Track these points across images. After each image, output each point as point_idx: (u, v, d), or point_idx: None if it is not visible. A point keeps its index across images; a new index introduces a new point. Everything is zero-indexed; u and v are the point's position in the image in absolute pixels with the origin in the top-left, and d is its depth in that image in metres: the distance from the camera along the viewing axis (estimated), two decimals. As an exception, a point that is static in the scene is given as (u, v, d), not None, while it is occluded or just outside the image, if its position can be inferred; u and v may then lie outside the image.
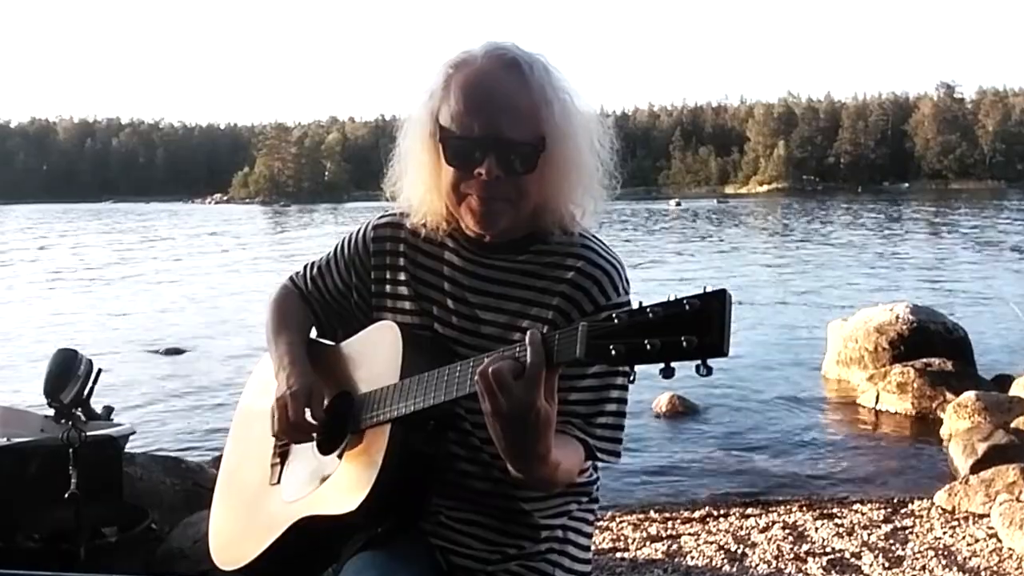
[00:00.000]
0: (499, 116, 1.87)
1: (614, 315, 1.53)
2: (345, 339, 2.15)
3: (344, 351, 2.12)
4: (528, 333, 1.63)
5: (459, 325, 2.00)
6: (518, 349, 1.64)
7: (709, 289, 1.47)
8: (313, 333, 2.25)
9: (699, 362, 1.45)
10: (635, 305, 1.53)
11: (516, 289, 1.98)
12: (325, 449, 2.01)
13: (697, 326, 1.44)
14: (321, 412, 2.02)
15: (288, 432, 2.02)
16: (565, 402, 1.82)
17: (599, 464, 2.06)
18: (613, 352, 1.51)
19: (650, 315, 1.49)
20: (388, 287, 2.10)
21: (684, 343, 1.45)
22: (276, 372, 2.10)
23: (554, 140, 1.89)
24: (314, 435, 2.02)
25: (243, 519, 2.16)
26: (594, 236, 2.02)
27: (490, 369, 1.62)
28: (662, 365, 1.48)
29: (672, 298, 1.49)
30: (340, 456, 1.97)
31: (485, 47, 1.93)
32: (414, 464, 1.92)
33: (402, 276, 2.09)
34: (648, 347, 1.47)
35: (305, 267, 2.27)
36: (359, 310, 2.15)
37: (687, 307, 1.46)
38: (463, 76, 1.91)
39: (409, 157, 2.01)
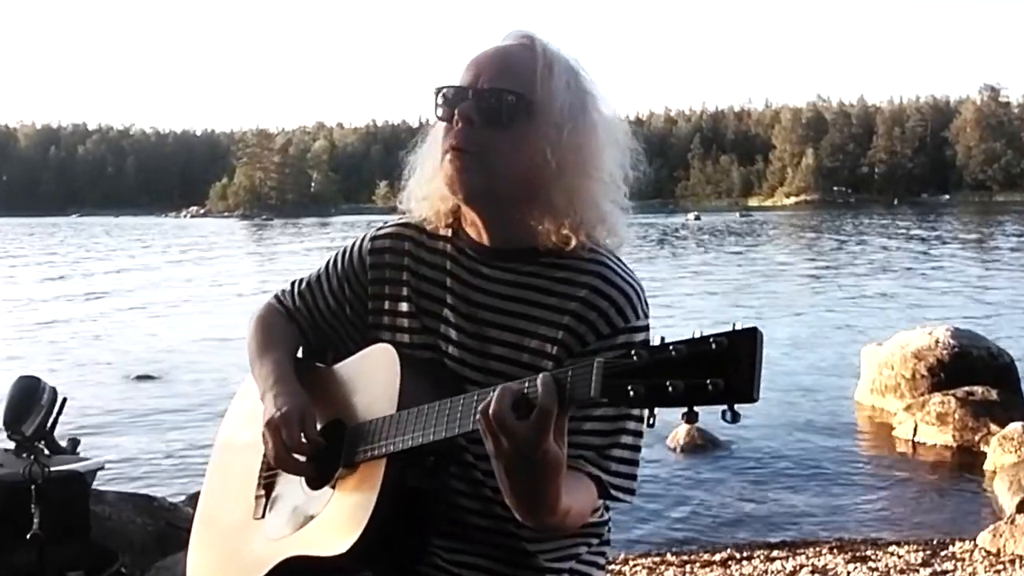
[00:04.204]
0: (489, 68, 1.96)
1: (633, 352, 1.53)
2: (336, 361, 2.16)
3: (336, 375, 2.13)
4: (540, 375, 1.63)
5: (464, 342, 2.02)
6: (528, 386, 1.65)
7: (738, 326, 1.46)
8: (300, 354, 2.26)
9: (725, 407, 1.46)
10: (656, 341, 1.53)
11: (523, 305, 2.00)
12: (315, 483, 2.02)
13: (724, 368, 1.44)
14: (317, 436, 2.02)
15: (282, 460, 2.01)
16: (578, 432, 1.84)
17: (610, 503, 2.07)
18: (631, 393, 1.51)
19: (673, 353, 1.49)
20: (387, 303, 2.12)
21: (710, 386, 1.44)
22: (262, 393, 2.11)
23: (546, 110, 1.94)
24: (312, 463, 2.01)
25: (225, 555, 2.17)
26: (611, 253, 2.03)
27: (491, 408, 1.63)
28: (684, 409, 1.49)
29: (697, 334, 1.49)
30: (331, 491, 1.97)
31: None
32: (411, 503, 1.92)
33: (403, 291, 2.11)
34: (670, 389, 1.47)
35: (292, 284, 2.28)
36: (354, 328, 2.17)
37: (714, 346, 1.46)
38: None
39: (421, 152, 2.09)
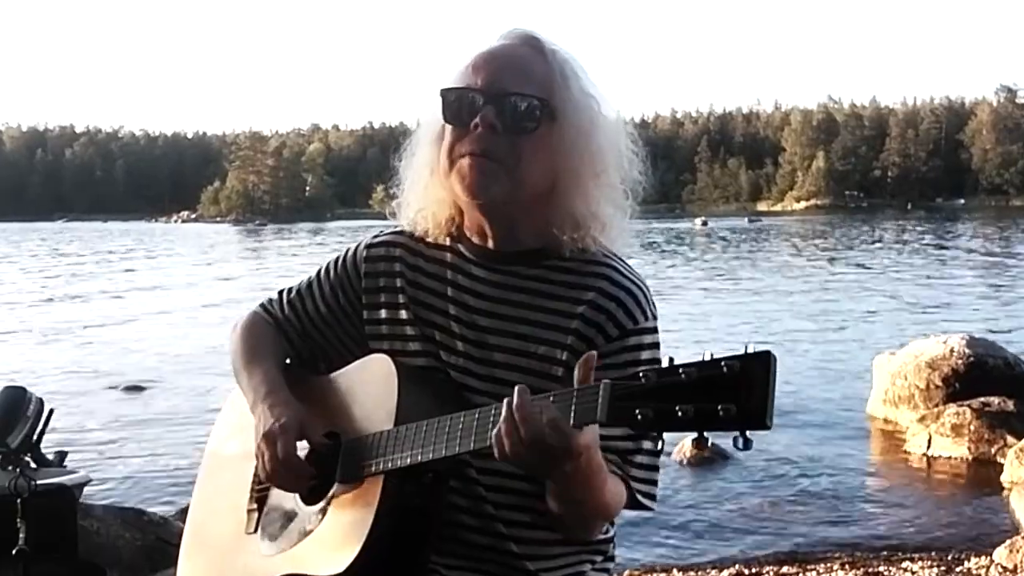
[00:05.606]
0: (505, 72, 1.96)
1: (642, 374, 1.53)
2: (330, 372, 2.14)
3: (332, 385, 2.11)
4: (543, 404, 1.65)
5: (468, 351, 2.01)
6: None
7: (751, 349, 1.46)
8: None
9: (737, 433, 1.45)
10: (665, 362, 1.53)
11: (527, 310, 2.00)
12: (310, 498, 2.01)
13: (736, 392, 1.44)
14: (320, 447, 2.01)
15: (279, 474, 1.99)
16: (602, 438, 1.84)
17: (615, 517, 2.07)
18: (639, 417, 1.51)
19: (682, 376, 1.49)
20: (384, 312, 2.11)
21: (721, 412, 1.45)
22: (252, 405, 2.09)
23: (566, 115, 1.95)
24: (311, 477, 2.00)
25: (216, 571, 2.17)
26: (615, 255, 2.04)
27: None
28: (695, 433, 1.49)
29: (708, 357, 1.49)
30: (327, 507, 1.96)
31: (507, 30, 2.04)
32: (409, 521, 1.92)
33: (400, 299, 2.10)
34: (679, 414, 1.48)
35: (280, 292, 2.26)
36: (348, 337, 2.16)
37: (725, 369, 1.46)
38: (475, 52, 2.00)
39: (415, 160, 2.07)
